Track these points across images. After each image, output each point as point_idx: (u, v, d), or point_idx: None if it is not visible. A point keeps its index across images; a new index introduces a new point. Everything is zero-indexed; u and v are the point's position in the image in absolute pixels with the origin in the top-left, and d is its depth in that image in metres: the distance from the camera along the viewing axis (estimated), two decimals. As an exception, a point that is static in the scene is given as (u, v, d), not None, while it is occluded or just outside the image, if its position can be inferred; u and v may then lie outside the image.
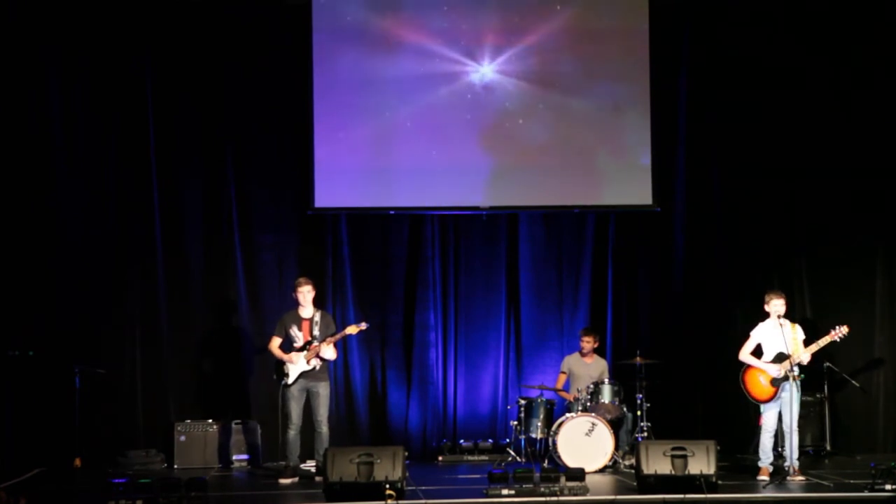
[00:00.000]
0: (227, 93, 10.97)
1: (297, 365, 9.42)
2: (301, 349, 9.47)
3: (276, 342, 9.56)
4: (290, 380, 9.43)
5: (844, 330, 8.93)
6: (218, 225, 10.98)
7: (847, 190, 11.02)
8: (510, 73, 11.04)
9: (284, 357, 9.46)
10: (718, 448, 8.49)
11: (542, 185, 11.07)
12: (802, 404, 9.43)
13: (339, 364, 10.72)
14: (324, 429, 9.47)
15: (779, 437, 9.14)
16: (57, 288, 10.55)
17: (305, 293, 9.57)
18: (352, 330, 9.60)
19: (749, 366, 9.07)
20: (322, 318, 9.62)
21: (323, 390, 9.49)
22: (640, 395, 10.21)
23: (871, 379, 10.92)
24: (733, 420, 10.59)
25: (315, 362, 9.44)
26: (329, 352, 9.49)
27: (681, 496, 8.08)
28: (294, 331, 9.53)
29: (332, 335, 9.53)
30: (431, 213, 11.19)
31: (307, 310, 9.60)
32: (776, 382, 8.90)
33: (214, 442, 10.49)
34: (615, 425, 9.95)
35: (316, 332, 9.50)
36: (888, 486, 8.13)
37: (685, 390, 10.98)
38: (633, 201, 11.11)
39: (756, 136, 11.13)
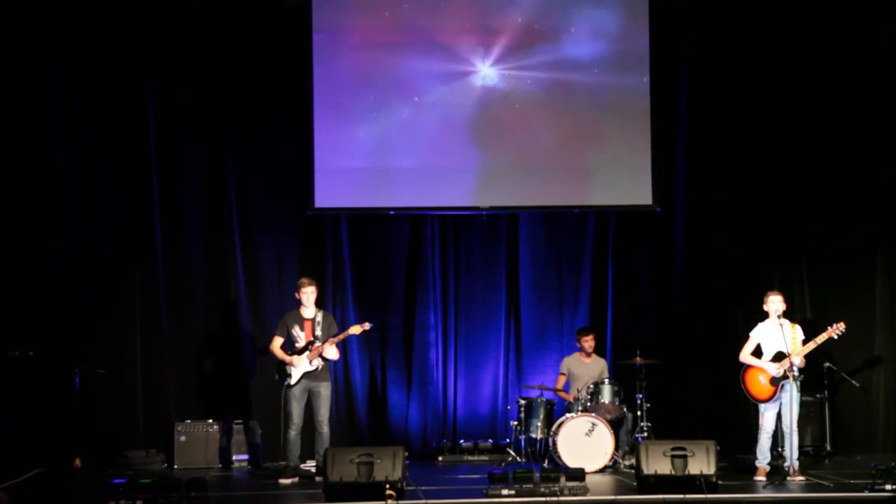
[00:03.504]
0: (227, 93, 10.97)
1: (299, 365, 9.43)
2: (303, 349, 9.46)
3: (277, 342, 9.56)
4: (293, 380, 9.43)
5: (842, 327, 8.94)
6: (218, 225, 10.98)
7: (847, 190, 11.02)
8: (510, 74, 11.04)
9: (287, 359, 9.45)
10: (718, 448, 8.49)
11: (542, 185, 11.07)
12: (802, 404, 9.44)
13: (340, 364, 10.71)
14: (325, 429, 9.47)
15: (778, 437, 9.15)
16: (57, 288, 10.55)
17: (309, 294, 9.57)
18: (355, 330, 9.60)
19: (749, 366, 9.07)
20: (324, 318, 9.63)
21: (324, 390, 9.50)
22: (640, 395, 10.21)
23: (870, 379, 10.93)
24: (733, 420, 10.59)
25: (317, 362, 9.44)
26: (332, 352, 9.50)
27: (681, 496, 8.09)
28: (296, 331, 9.53)
29: (335, 335, 9.53)
30: (431, 213, 11.19)
31: (309, 310, 9.60)
32: (775, 381, 8.91)
33: (214, 442, 10.49)
34: (615, 425, 9.95)
35: (318, 332, 9.50)
36: (888, 487, 8.13)
37: (685, 390, 10.98)
38: (633, 201, 11.11)
39: (756, 136, 11.14)
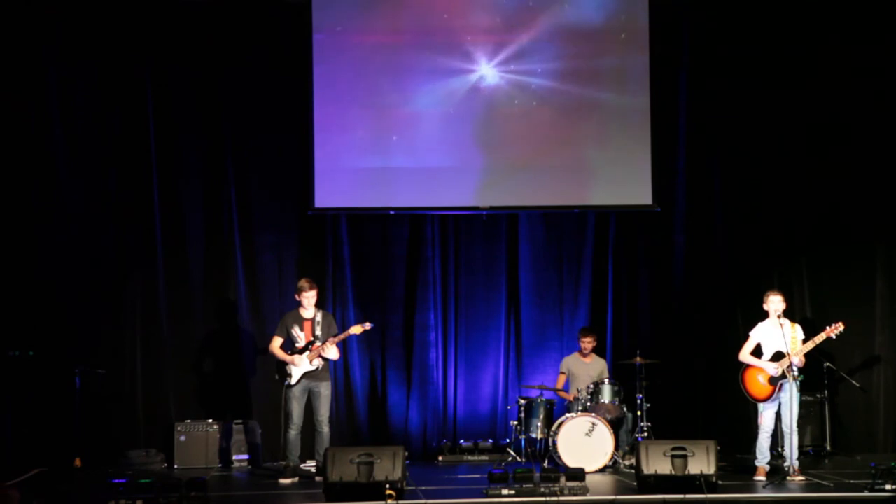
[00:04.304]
0: (227, 93, 10.96)
1: (300, 366, 9.42)
2: (303, 349, 9.46)
3: (277, 342, 9.56)
4: (294, 380, 9.43)
5: (840, 327, 8.94)
6: (218, 225, 10.98)
7: (847, 190, 11.02)
8: (510, 74, 11.03)
9: (287, 358, 9.45)
10: (718, 448, 8.49)
11: (542, 185, 11.06)
12: (802, 404, 9.45)
13: (339, 364, 10.72)
14: (325, 429, 9.47)
15: (778, 437, 9.15)
16: (57, 288, 10.55)
17: (310, 297, 9.55)
18: (356, 330, 9.60)
19: (748, 365, 9.07)
20: (324, 318, 9.62)
21: (325, 390, 9.50)
22: (640, 395, 10.21)
23: (870, 379, 10.93)
24: (733, 420, 10.59)
25: (317, 362, 9.44)
26: (332, 352, 9.49)
27: (681, 496, 8.09)
28: (296, 331, 9.53)
29: (335, 335, 9.53)
30: (431, 213, 11.19)
31: (309, 310, 9.60)
32: (774, 381, 8.91)
33: (214, 442, 10.49)
34: (615, 425, 9.95)
35: (318, 332, 9.50)
36: (888, 486, 8.13)
37: (685, 390, 10.98)
38: (633, 201, 11.10)
39: (756, 135, 11.14)
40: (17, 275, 10.44)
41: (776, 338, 8.97)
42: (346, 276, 11.14)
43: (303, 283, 9.66)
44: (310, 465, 9.71)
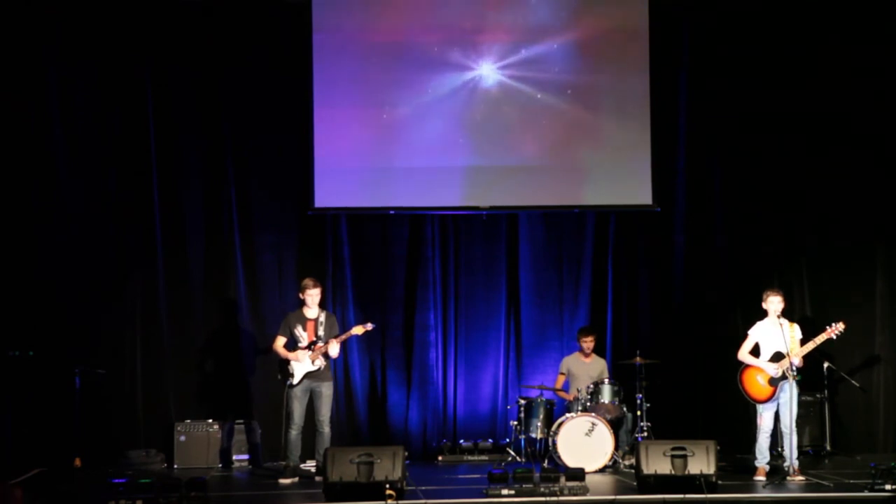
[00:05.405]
0: (227, 93, 10.97)
1: (302, 365, 9.43)
2: (305, 349, 9.46)
3: (280, 342, 9.56)
4: (296, 380, 9.43)
5: (841, 326, 8.94)
6: (218, 225, 10.98)
7: (847, 190, 11.02)
8: (510, 73, 11.03)
9: (290, 355, 9.45)
10: (718, 448, 8.49)
11: (542, 185, 11.07)
12: (802, 404, 9.45)
13: (340, 364, 10.73)
14: (326, 429, 9.47)
15: (778, 437, 9.15)
16: (57, 288, 10.56)
17: (314, 296, 9.56)
18: (357, 330, 9.60)
19: (747, 365, 9.07)
20: (327, 318, 9.63)
21: (326, 390, 9.50)
22: (640, 395, 10.21)
23: (870, 379, 10.93)
24: (733, 420, 10.58)
25: (319, 362, 9.44)
26: (333, 349, 9.48)
27: (681, 496, 8.09)
28: (299, 331, 9.53)
29: (337, 336, 9.53)
30: (431, 213, 11.19)
31: (312, 310, 9.60)
32: (774, 382, 8.91)
33: (215, 442, 10.49)
34: (615, 425, 9.95)
35: (321, 332, 9.50)
36: (888, 486, 8.13)
37: (685, 390, 10.98)
38: (633, 201, 11.10)
39: (756, 135, 11.14)
40: (17, 275, 10.44)
41: (775, 337, 8.97)
42: (346, 276, 11.15)
43: (307, 281, 9.66)
44: (310, 465, 9.71)
